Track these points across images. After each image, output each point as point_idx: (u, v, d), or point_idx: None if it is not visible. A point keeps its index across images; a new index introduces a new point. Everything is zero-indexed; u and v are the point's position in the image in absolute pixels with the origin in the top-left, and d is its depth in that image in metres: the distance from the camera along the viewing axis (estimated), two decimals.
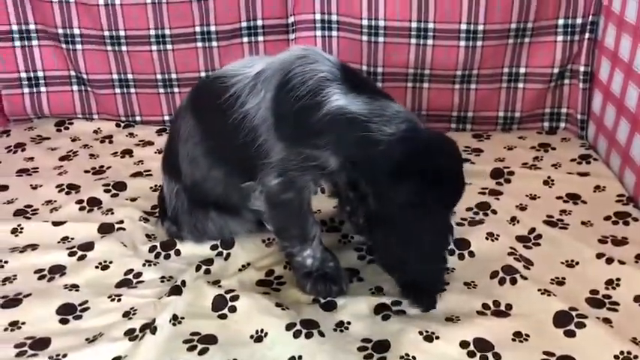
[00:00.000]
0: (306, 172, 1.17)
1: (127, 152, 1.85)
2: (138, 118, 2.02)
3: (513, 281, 1.23)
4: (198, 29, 1.87)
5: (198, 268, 1.30)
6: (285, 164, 1.16)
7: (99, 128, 1.99)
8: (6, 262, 1.34)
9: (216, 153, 1.27)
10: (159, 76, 1.94)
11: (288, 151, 1.15)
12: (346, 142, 1.13)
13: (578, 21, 1.77)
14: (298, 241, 1.23)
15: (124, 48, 1.90)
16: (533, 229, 1.41)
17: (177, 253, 1.37)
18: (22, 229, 1.45)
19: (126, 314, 1.19)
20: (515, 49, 1.82)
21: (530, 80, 1.86)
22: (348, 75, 1.18)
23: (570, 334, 1.11)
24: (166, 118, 2.00)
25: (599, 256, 1.29)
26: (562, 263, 1.30)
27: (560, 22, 1.78)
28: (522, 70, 1.85)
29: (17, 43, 1.93)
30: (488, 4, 1.74)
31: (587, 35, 1.77)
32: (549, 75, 1.84)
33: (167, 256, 1.36)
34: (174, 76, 1.94)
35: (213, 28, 1.87)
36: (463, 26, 1.77)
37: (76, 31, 1.90)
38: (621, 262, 1.26)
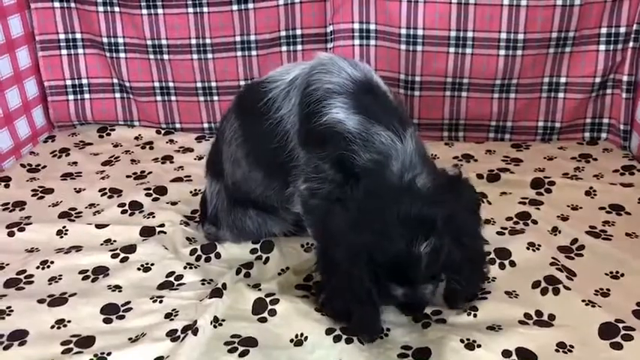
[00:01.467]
0: (322, 183, 1.18)
1: (168, 158, 1.88)
2: (178, 126, 2.06)
3: (556, 291, 1.21)
4: (238, 38, 1.91)
5: (238, 272, 1.32)
6: (307, 171, 1.19)
7: (140, 135, 2.03)
8: (52, 262, 1.37)
9: (255, 155, 1.30)
10: (199, 85, 1.98)
11: (306, 158, 1.18)
12: (336, 157, 1.15)
13: (622, 30, 1.75)
14: None
15: (165, 56, 1.95)
16: (575, 240, 1.38)
17: (218, 256, 1.39)
18: (66, 230, 1.49)
19: (168, 315, 1.20)
20: (556, 58, 1.80)
21: (571, 90, 1.84)
22: (361, 90, 1.18)
23: (617, 346, 1.08)
24: (205, 125, 2.04)
25: None
26: (606, 274, 1.28)
27: (603, 30, 1.76)
28: (563, 79, 1.83)
29: (64, 52, 2.00)
30: (529, 13, 1.73)
31: (631, 44, 1.75)
32: (591, 85, 1.82)
33: (207, 259, 1.38)
34: (213, 84, 1.98)
35: (252, 38, 1.90)
36: (503, 35, 1.77)
37: (120, 40, 1.96)
38: None
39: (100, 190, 1.68)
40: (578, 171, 1.70)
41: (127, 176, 1.78)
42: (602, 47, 1.78)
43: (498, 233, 1.41)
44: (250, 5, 1.86)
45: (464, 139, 1.94)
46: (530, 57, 1.79)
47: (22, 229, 1.48)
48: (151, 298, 1.25)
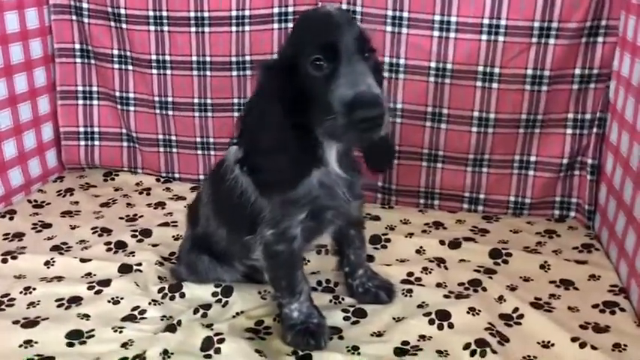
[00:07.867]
0: (291, 216, 1.29)
1: (160, 204, 2.04)
2: (177, 175, 2.23)
3: (483, 354, 1.28)
4: (235, 100, 2.09)
5: (196, 311, 1.43)
6: (274, 216, 1.30)
7: (141, 181, 2.21)
8: (34, 289, 1.51)
9: (221, 214, 1.44)
10: (198, 139, 2.16)
11: (271, 204, 1.29)
12: None
13: (587, 116, 1.86)
14: (287, 293, 1.35)
15: (170, 112, 2.14)
16: (516, 309, 1.45)
17: (182, 295, 1.51)
18: (54, 262, 1.64)
19: (123, 344, 1.32)
20: (526, 138, 1.91)
21: (541, 169, 1.94)
22: None
23: None
24: (201, 177, 2.20)
25: (574, 339, 1.32)
26: (538, 343, 1.34)
27: (570, 116, 1.88)
28: (533, 158, 1.94)
29: (80, 102, 2.21)
30: (500, 96, 1.87)
31: (595, 130, 1.86)
32: (559, 165, 1.92)
33: (172, 298, 1.50)
34: (211, 140, 2.15)
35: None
36: (475, 113, 1.90)
37: (131, 95, 2.17)
38: (594, 348, 1.29)
39: (92, 229, 1.84)
40: (539, 245, 1.78)
41: (120, 218, 1.94)
42: (569, 131, 1.89)
43: (445, 296, 1.49)
44: (248, 72, 2.05)
45: (439, 208, 2.04)
46: (501, 135, 1.91)
47: (14, 257, 1.64)
48: (112, 328, 1.37)
